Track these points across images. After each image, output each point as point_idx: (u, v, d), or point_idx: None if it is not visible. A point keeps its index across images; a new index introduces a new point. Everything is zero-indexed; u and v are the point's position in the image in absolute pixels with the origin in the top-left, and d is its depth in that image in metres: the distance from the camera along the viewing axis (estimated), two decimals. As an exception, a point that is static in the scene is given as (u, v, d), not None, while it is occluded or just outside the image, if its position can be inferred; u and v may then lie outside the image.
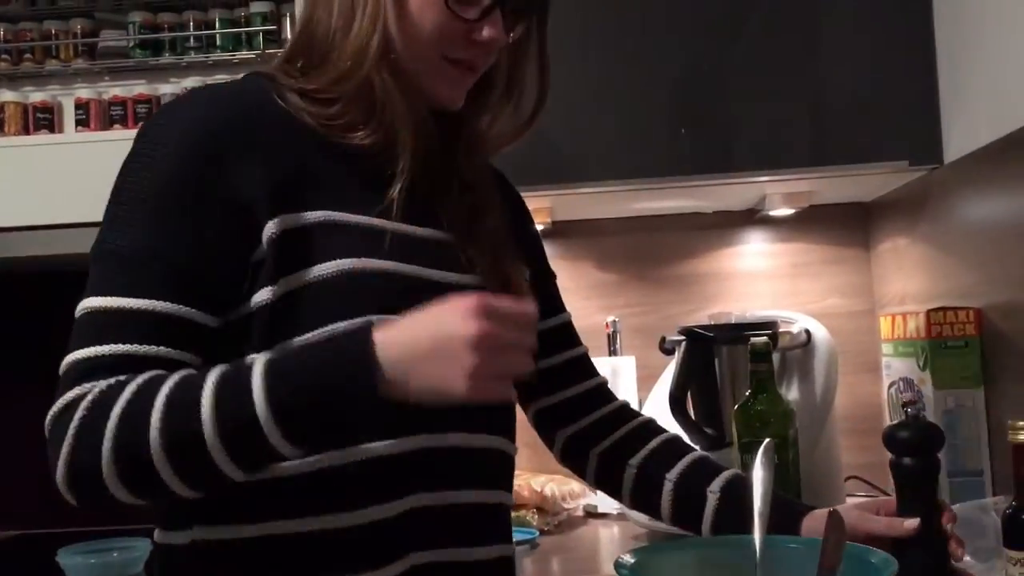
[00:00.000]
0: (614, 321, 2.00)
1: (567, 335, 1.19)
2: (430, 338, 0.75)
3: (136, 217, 0.84)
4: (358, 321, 0.81)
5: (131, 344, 0.81)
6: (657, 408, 1.79)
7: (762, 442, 0.90)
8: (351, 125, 0.92)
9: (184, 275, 0.83)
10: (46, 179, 1.85)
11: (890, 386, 1.65)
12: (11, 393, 2.09)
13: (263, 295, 0.84)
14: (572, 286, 2.09)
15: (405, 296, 0.84)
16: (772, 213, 1.97)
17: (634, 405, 1.89)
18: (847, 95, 1.71)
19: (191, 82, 1.91)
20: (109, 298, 0.81)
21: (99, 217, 1.87)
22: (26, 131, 1.92)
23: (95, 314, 0.82)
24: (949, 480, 1.43)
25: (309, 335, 0.83)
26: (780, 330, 1.68)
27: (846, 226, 2.05)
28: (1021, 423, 0.84)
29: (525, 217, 1.18)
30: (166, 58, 1.91)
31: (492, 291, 0.88)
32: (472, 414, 0.85)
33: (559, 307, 1.19)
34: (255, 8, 1.88)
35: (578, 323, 2.07)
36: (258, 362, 0.78)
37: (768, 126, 1.72)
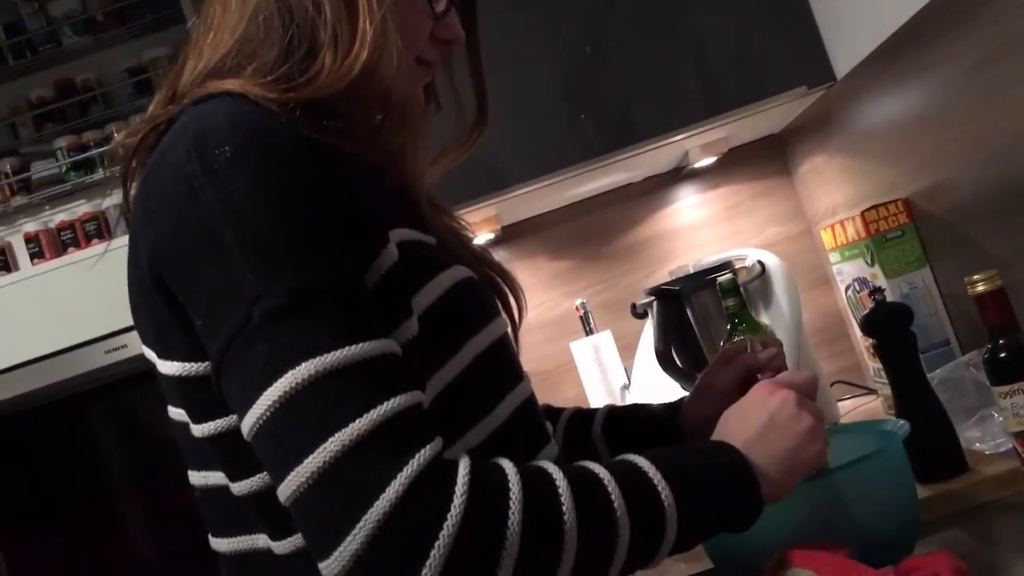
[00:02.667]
0: (583, 303, 2.08)
1: None
2: (782, 443, 0.76)
3: (299, 251, 0.66)
4: (723, 445, 0.77)
5: (404, 393, 0.65)
6: (646, 369, 1.88)
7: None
8: (369, 132, 0.79)
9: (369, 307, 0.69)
10: (14, 318, 1.88)
11: (846, 289, 1.76)
12: None
13: (406, 324, 0.73)
14: (534, 281, 2.17)
15: (484, 298, 0.83)
16: (696, 166, 2.07)
17: (620, 374, 2.00)
18: (730, 41, 1.79)
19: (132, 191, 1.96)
20: (350, 348, 0.64)
21: (76, 340, 1.89)
22: (-17, 277, 1.95)
23: (349, 369, 0.63)
24: (922, 355, 1.53)
25: (458, 356, 0.75)
26: (736, 267, 1.78)
27: (766, 160, 2.15)
28: (976, 276, 0.94)
29: None
30: (100, 173, 1.95)
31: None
32: None
33: None
34: (173, 105, 1.92)
35: (548, 314, 2.20)
36: (665, 492, 0.70)
37: (666, 88, 1.80)
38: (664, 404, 1.09)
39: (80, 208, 1.96)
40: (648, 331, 1.88)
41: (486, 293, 0.85)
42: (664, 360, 1.74)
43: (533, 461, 0.72)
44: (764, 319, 1.75)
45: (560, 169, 1.82)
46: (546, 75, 1.81)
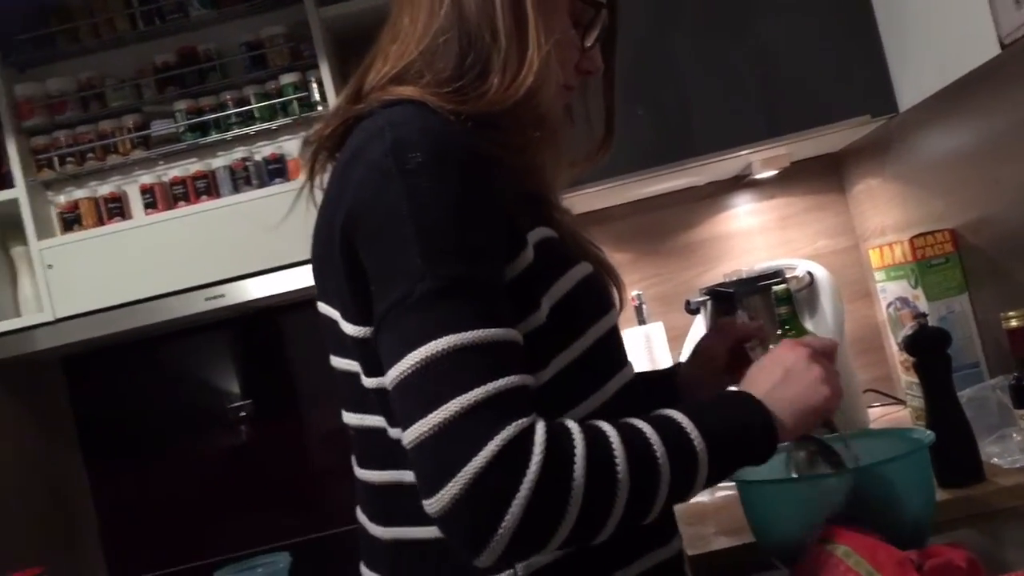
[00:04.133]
0: (639, 295, 2.22)
1: None
2: (795, 388, 0.89)
3: (460, 247, 0.80)
4: (742, 393, 0.90)
5: (517, 375, 0.78)
6: (693, 361, 2.02)
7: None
8: (522, 144, 0.90)
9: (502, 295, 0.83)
10: (126, 262, 2.05)
11: (888, 306, 1.88)
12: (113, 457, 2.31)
13: (533, 316, 0.86)
14: (593, 270, 2.31)
15: (603, 291, 0.96)
16: (757, 176, 2.19)
17: (668, 363, 2.14)
18: (798, 61, 1.88)
19: (239, 153, 2.11)
20: (482, 331, 0.77)
21: (180, 287, 2.05)
22: (100, 222, 2.11)
23: (478, 348, 0.77)
24: (953, 374, 1.66)
25: (581, 339, 0.89)
26: (787, 276, 1.90)
27: (822, 176, 2.26)
28: (1011, 313, 1.07)
29: None
30: (213, 136, 2.10)
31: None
32: None
33: None
34: (285, 79, 2.07)
35: (605, 302, 2.31)
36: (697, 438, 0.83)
37: (730, 102, 1.89)
38: (667, 367, 1.25)
39: (192, 166, 2.11)
40: (698, 326, 2.01)
41: (604, 286, 0.99)
42: (713, 355, 1.88)
43: None
44: (809, 326, 1.87)
45: (625, 174, 1.93)
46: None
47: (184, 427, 2.37)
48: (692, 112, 1.93)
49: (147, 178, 2.13)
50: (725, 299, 1.88)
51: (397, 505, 0.90)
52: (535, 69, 0.88)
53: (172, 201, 2.10)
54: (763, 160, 2.10)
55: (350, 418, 0.94)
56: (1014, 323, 1.05)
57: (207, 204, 2.06)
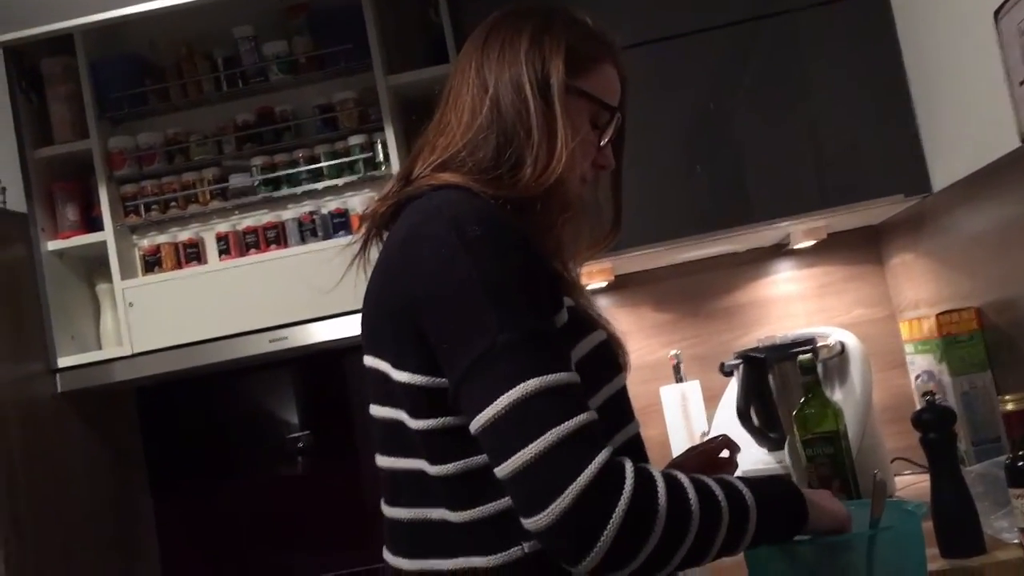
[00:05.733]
0: (677, 354, 2.30)
1: None
2: (831, 514, 1.03)
3: (526, 304, 0.93)
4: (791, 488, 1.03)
5: (589, 411, 0.90)
6: (725, 419, 2.09)
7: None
8: (549, 225, 1.04)
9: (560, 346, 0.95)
10: (200, 303, 2.20)
11: (916, 377, 1.93)
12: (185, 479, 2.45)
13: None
14: (635, 328, 2.39)
15: (615, 355, 1.07)
16: (796, 246, 2.27)
17: (702, 421, 2.21)
18: (840, 140, 1.97)
19: (307, 207, 2.26)
20: (560, 375, 0.90)
21: (247, 328, 2.18)
22: (179, 265, 2.26)
23: (559, 388, 0.90)
24: (974, 448, 1.70)
25: (595, 397, 1.00)
26: (818, 344, 1.97)
27: (860, 247, 2.32)
28: (1008, 396, 1.13)
29: None
30: (284, 190, 2.25)
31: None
32: None
33: None
34: (353, 140, 2.21)
35: (645, 359, 2.41)
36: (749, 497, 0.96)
37: (781, 172, 1.99)
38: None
39: (264, 217, 2.25)
40: (732, 388, 2.08)
41: (615, 351, 1.10)
42: (743, 417, 1.95)
43: None
44: (838, 394, 1.92)
45: (673, 239, 2.03)
46: (666, 142, 2.01)
47: (245, 457, 2.51)
48: (746, 181, 2.02)
49: (223, 226, 2.27)
50: (757, 364, 1.95)
51: (423, 539, 1.01)
52: (563, 162, 1.02)
53: (244, 248, 2.25)
54: (803, 231, 2.18)
55: (385, 460, 1.05)
56: (1010, 406, 1.12)
57: (276, 253, 2.20)
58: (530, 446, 0.87)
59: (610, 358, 1.07)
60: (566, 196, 1.04)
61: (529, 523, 0.88)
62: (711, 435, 2.15)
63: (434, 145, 1.08)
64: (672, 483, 0.91)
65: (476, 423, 0.91)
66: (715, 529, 0.92)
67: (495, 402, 0.89)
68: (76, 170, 2.29)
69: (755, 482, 0.99)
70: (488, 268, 0.93)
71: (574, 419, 0.88)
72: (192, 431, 2.51)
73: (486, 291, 0.92)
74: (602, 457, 0.87)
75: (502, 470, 0.89)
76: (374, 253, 1.09)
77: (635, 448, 1.07)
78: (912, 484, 1.98)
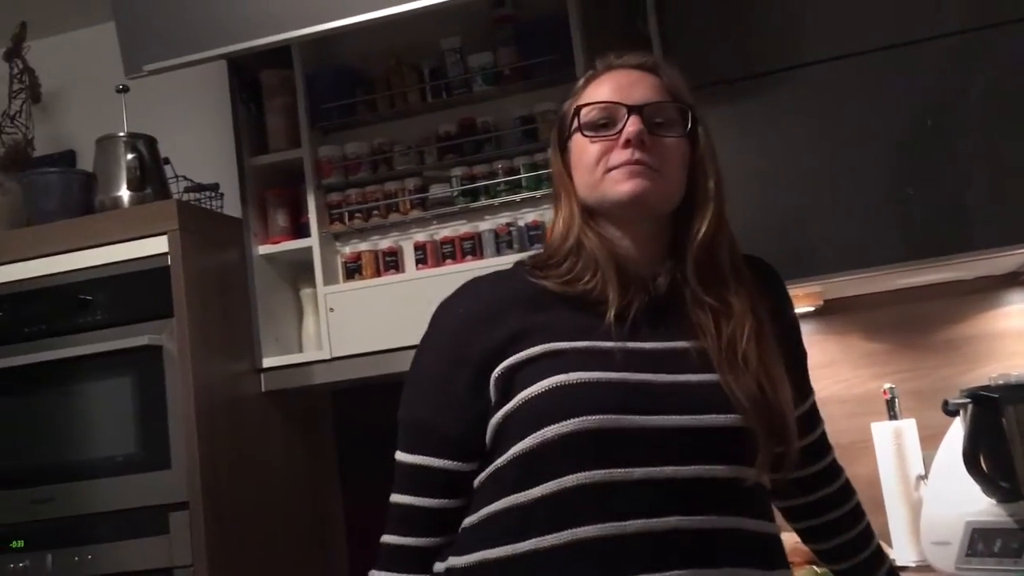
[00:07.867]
0: (891, 388, 2.10)
1: (812, 418, 1.29)
2: None
3: (418, 392, 1.21)
4: None
5: (427, 498, 1.16)
6: (947, 463, 1.88)
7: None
8: (578, 277, 1.13)
9: (448, 438, 1.15)
10: (396, 310, 2.20)
11: None
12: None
13: (493, 422, 1.11)
14: (843, 357, 2.22)
15: (625, 397, 1.05)
16: (1034, 275, 2.03)
17: (918, 463, 2.01)
18: None
19: (504, 219, 2.23)
20: (412, 456, 1.18)
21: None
22: (378, 273, 2.28)
23: (404, 466, 1.20)
24: None
25: (523, 442, 1.06)
26: (1064, 386, 1.74)
27: (1112, 280, 2.07)
28: None
29: (784, 303, 1.26)
30: (482, 202, 2.23)
31: (741, 386, 1.06)
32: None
33: (807, 390, 1.28)
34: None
35: (853, 390, 2.22)
36: None
37: (1002, 200, 1.78)
38: None
39: (462, 227, 2.23)
40: (956, 429, 1.88)
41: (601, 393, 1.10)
42: (970, 463, 1.75)
43: None
44: (1086, 444, 1.70)
45: (882, 264, 1.85)
46: (878, 160, 1.84)
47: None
48: (967, 204, 1.82)
49: (421, 236, 2.28)
50: (989, 404, 1.76)
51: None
52: (565, 214, 1.20)
53: (440, 259, 2.24)
54: (1039, 259, 1.95)
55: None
56: None
57: (471, 263, 2.18)
58: None
59: (561, 401, 1.06)
60: (584, 250, 1.15)
61: None
62: (930, 479, 1.98)
63: None
64: None
65: None
66: None
67: None
68: (287, 178, 2.37)
69: None
70: (419, 347, 1.26)
71: (402, 496, 1.24)
72: (384, 434, 2.53)
73: (411, 367, 1.27)
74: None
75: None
76: None
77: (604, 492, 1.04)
78: None
